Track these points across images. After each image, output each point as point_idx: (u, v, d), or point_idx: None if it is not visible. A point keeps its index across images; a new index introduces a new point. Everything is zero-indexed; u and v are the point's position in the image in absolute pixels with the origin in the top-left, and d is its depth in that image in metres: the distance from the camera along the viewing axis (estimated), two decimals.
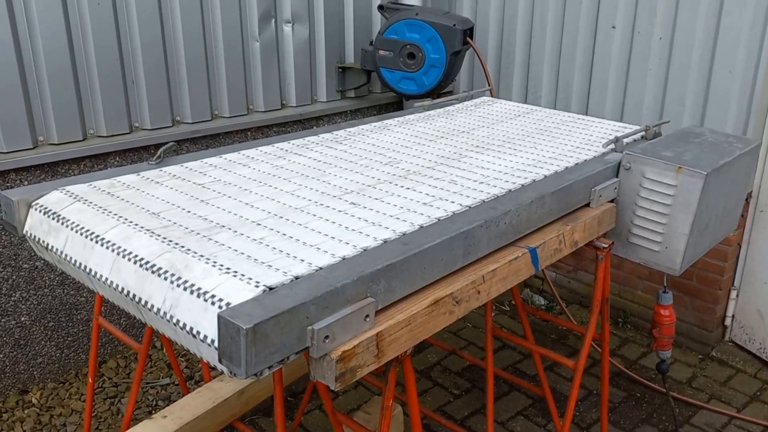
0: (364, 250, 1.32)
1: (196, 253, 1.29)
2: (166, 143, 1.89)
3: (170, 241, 1.34)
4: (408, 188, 1.70)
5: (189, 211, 1.51)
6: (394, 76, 3.48)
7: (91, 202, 1.54)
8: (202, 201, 1.58)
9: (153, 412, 2.84)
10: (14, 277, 2.80)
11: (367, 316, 1.21)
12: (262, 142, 2.10)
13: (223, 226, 1.43)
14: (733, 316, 3.34)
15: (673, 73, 3.19)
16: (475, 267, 1.51)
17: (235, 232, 1.40)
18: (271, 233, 1.40)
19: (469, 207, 1.58)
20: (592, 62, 3.46)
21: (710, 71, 3.07)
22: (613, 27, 3.34)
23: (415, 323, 1.31)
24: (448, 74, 3.34)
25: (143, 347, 2.06)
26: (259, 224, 1.44)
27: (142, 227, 1.41)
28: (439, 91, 3.44)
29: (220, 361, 1.10)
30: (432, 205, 1.58)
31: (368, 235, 1.40)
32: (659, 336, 2.36)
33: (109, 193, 1.61)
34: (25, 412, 2.81)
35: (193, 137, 3.17)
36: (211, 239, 1.36)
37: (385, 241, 1.37)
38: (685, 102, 3.18)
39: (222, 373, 2.23)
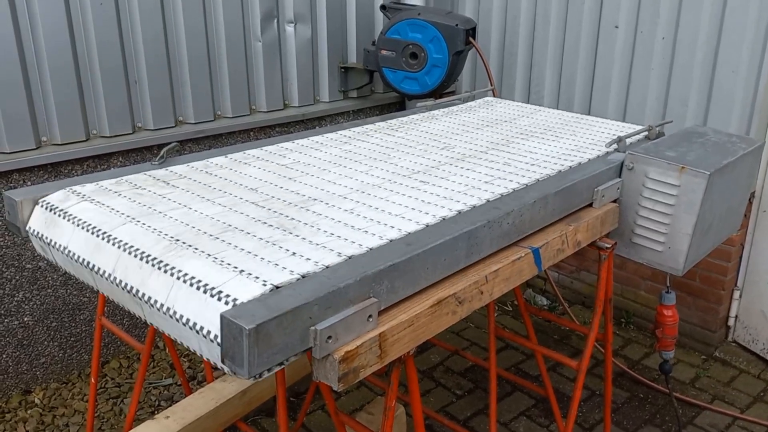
0: (370, 250, 1.32)
1: (203, 251, 1.29)
2: (169, 143, 1.89)
3: (177, 239, 1.34)
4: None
5: (196, 210, 1.51)
6: (396, 76, 3.48)
7: (98, 201, 1.55)
8: (209, 200, 1.58)
9: (156, 412, 2.84)
10: (17, 277, 2.81)
11: (370, 316, 1.21)
12: (265, 142, 2.10)
13: (230, 225, 1.43)
14: (736, 316, 3.33)
15: (676, 72, 3.18)
16: (478, 267, 1.50)
17: (243, 231, 1.40)
18: (278, 232, 1.40)
19: (474, 207, 1.58)
20: (594, 62, 3.46)
21: (713, 71, 3.06)
22: (616, 27, 3.33)
23: (418, 323, 1.30)
24: (450, 74, 3.34)
25: (146, 347, 2.06)
26: (265, 222, 1.45)
27: (149, 226, 1.41)
28: (442, 91, 3.44)
29: (222, 361, 1.10)
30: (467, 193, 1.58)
31: (393, 227, 1.40)
32: (662, 336, 2.35)
33: (116, 192, 1.62)
34: (28, 412, 2.81)
35: (196, 137, 3.18)
36: (218, 238, 1.36)
37: (392, 241, 1.37)
38: (688, 102, 3.17)
39: (224, 373, 2.23)
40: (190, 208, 1.53)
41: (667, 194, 1.91)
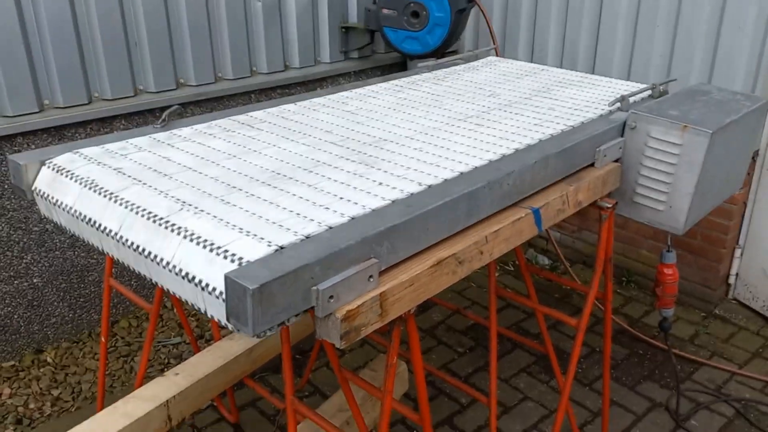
0: (372, 211, 1.34)
1: (209, 213, 1.32)
2: (171, 106, 1.89)
3: (184, 201, 1.37)
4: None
5: (201, 173, 1.53)
6: (397, 35, 3.44)
7: (104, 164, 1.56)
8: (213, 162, 1.59)
9: (165, 369, 2.91)
10: (25, 239, 2.85)
11: (370, 276, 1.23)
12: (266, 104, 2.10)
13: (234, 187, 1.45)
14: (737, 274, 3.36)
15: (681, 30, 3.14)
16: (478, 228, 1.52)
17: (247, 192, 1.42)
18: (281, 194, 1.41)
19: (475, 168, 1.59)
20: (599, 19, 3.41)
21: (719, 28, 3.02)
22: None
23: (419, 283, 1.33)
24: (452, 33, 3.30)
25: (154, 307, 2.10)
26: (269, 185, 1.46)
27: (155, 188, 1.43)
28: (444, 51, 3.41)
29: (228, 320, 1.13)
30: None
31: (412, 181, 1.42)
32: (662, 294, 2.38)
33: (121, 154, 1.63)
34: (41, 370, 2.89)
35: (197, 100, 3.17)
36: (224, 200, 1.38)
37: (394, 201, 1.39)
38: (693, 60, 3.13)
39: (231, 332, 2.28)
40: (196, 171, 1.54)
41: (669, 153, 1.90)
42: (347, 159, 1.65)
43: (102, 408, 2.15)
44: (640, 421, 2.64)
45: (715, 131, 1.84)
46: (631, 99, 2.16)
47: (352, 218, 1.31)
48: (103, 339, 2.26)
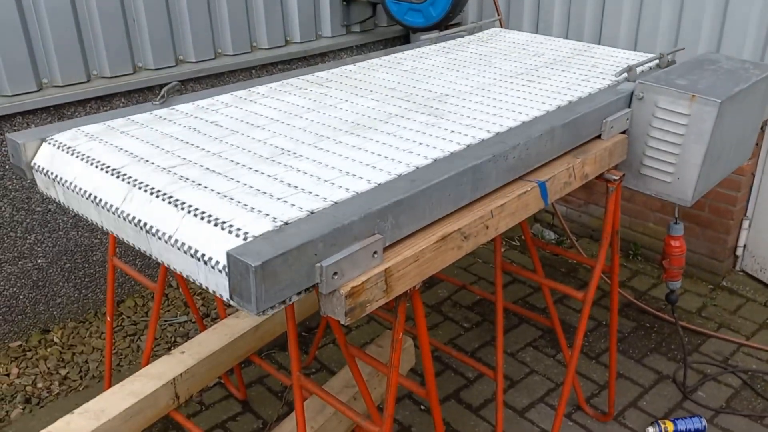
0: (378, 185, 1.32)
1: (207, 186, 1.30)
2: (170, 83, 1.86)
3: (186, 178, 1.35)
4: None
5: (203, 149, 1.51)
6: (400, 8, 3.38)
7: (106, 141, 1.54)
8: (216, 138, 1.57)
9: (172, 348, 2.92)
10: (28, 220, 2.84)
11: (375, 252, 1.22)
12: (268, 79, 2.07)
13: (237, 163, 1.43)
14: (744, 246, 3.34)
15: None
16: (483, 202, 1.50)
17: (250, 168, 1.40)
18: (285, 169, 1.39)
19: (482, 140, 1.56)
20: None
21: None
22: None
23: (424, 259, 1.31)
24: (456, 5, 3.24)
25: (158, 286, 2.10)
26: (273, 160, 1.44)
27: (157, 165, 1.41)
28: (447, 23, 3.35)
29: (231, 297, 1.12)
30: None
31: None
32: (669, 267, 2.36)
33: (122, 132, 1.61)
34: (48, 350, 2.90)
35: (197, 77, 3.13)
36: (226, 175, 1.36)
37: (399, 176, 1.37)
38: (701, 28, 3.07)
39: (237, 310, 2.27)
40: (192, 144, 1.52)
41: (677, 124, 1.87)
42: (417, 111, 1.78)
43: (110, 386, 2.16)
44: (647, 393, 2.64)
45: (724, 101, 1.81)
46: (638, 69, 2.12)
47: (357, 193, 1.29)
48: (108, 318, 2.26)
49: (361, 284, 1.18)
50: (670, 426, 2.41)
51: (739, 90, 1.90)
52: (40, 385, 2.71)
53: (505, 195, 1.54)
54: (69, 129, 1.62)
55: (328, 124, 1.70)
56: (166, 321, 3.11)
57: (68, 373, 2.78)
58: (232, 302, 1.13)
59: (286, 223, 1.16)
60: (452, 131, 1.63)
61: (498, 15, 3.50)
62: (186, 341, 2.27)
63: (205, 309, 3.20)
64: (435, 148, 1.52)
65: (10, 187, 2.76)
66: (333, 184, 1.33)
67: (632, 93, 1.93)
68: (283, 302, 1.12)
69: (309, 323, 3.02)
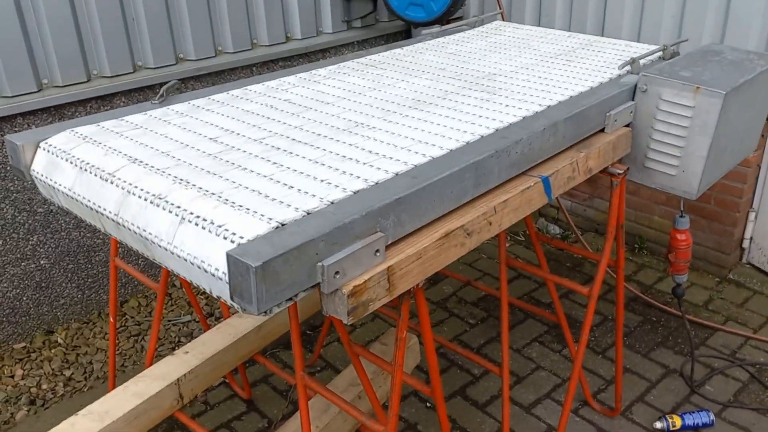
0: (376, 184, 1.30)
1: (207, 191, 1.28)
2: (170, 82, 1.85)
3: (181, 179, 1.33)
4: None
5: (197, 149, 1.49)
6: (401, 2, 3.36)
7: (99, 142, 1.53)
8: (210, 138, 1.56)
9: (176, 348, 2.91)
10: (30, 221, 2.83)
11: (377, 250, 1.20)
12: (266, 77, 2.05)
13: (233, 164, 1.41)
14: (751, 238, 3.31)
15: None
16: (486, 198, 1.48)
17: (245, 168, 1.38)
18: (278, 169, 1.38)
19: (482, 137, 1.55)
20: None
21: None
22: None
23: (426, 256, 1.30)
24: None
25: (161, 286, 2.09)
26: (268, 160, 1.43)
27: (151, 166, 1.40)
28: (449, 17, 3.33)
29: (232, 298, 1.11)
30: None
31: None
32: (675, 260, 2.35)
33: (117, 132, 1.59)
34: (52, 351, 2.90)
35: (198, 75, 3.12)
36: (221, 176, 1.34)
37: (397, 174, 1.35)
38: (704, 19, 3.04)
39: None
40: (188, 145, 1.51)
41: (682, 116, 1.85)
42: (470, 89, 1.90)
43: (114, 387, 2.15)
44: (654, 387, 2.62)
45: (729, 92, 1.79)
46: (642, 61, 2.09)
47: (355, 192, 1.27)
48: (111, 319, 2.25)
49: (364, 283, 1.17)
50: (677, 420, 2.40)
51: (744, 81, 1.87)
52: (44, 386, 2.71)
53: (508, 191, 1.52)
54: (65, 130, 1.61)
55: (391, 100, 1.82)
56: (169, 321, 3.10)
57: (73, 374, 2.78)
58: (232, 303, 1.11)
59: (282, 225, 1.15)
60: (507, 105, 1.77)
61: (500, 8, 3.48)
62: (190, 341, 2.27)
63: (208, 308, 3.19)
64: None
65: (12, 188, 2.75)
66: (329, 183, 1.32)
67: (636, 85, 1.91)
68: (286, 302, 1.11)
69: (313, 321, 3.01)
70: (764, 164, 3.16)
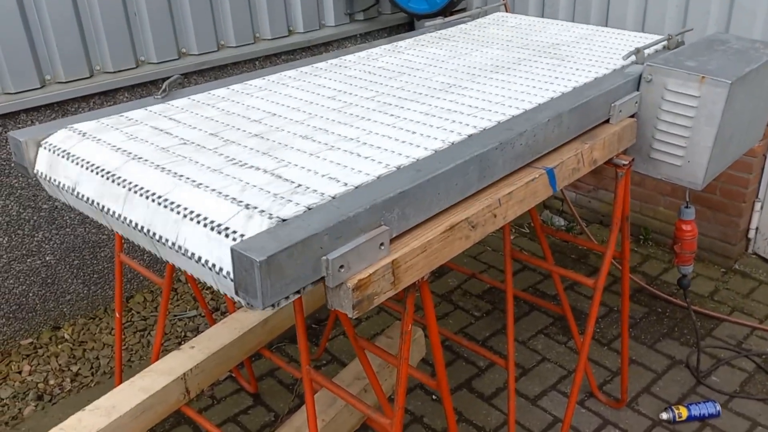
0: (378, 178, 1.30)
1: (208, 187, 1.28)
2: (172, 76, 1.85)
3: (181, 175, 1.33)
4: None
5: (198, 145, 1.49)
6: None
7: (99, 139, 1.53)
8: (212, 134, 1.55)
9: (182, 343, 2.92)
10: (35, 217, 2.84)
11: (381, 244, 1.20)
12: (269, 71, 2.04)
13: (233, 159, 1.41)
14: (757, 228, 3.30)
15: None
16: (491, 190, 1.48)
17: (244, 164, 1.38)
18: (279, 164, 1.37)
19: (484, 129, 1.54)
20: None
21: None
22: None
23: (431, 249, 1.29)
24: None
25: (166, 282, 2.09)
26: (270, 155, 1.42)
27: (152, 162, 1.39)
28: (452, 9, 3.31)
29: (236, 293, 1.11)
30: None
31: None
32: (681, 251, 2.34)
33: (116, 129, 1.59)
34: (59, 347, 2.91)
35: (200, 69, 3.12)
36: (222, 172, 1.34)
37: (401, 168, 1.34)
38: (709, 8, 3.02)
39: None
40: (189, 142, 1.50)
41: (687, 106, 1.84)
42: (540, 58, 2.06)
43: (120, 382, 2.16)
44: (660, 378, 2.62)
45: (734, 82, 1.77)
46: (647, 51, 2.08)
47: (356, 187, 1.27)
48: (117, 314, 2.26)
49: (368, 276, 1.16)
50: (683, 411, 2.39)
51: (750, 70, 1.86)
52: (52, 382, 2.72)
53: (512, 183, 1.51)
54: (68, 126, 1.60)
55: (470, 69, 1.97)
56: (175, 316, 3.11)
57: (79, 369, 2.79)
58: (237, 298, 1.11)
59: (283, 220, 1.14)
60: (577, 69, 1.94)
61: None
62: (196, 336, 2.27)
63: (214, 303, 3.20)
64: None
65: (16, 185, 2.75)
66: (332, 178, 1.32)
67: (641, 76, 1.90)
68: (290, 296, 1.11)
69: (318, 315, 3.01)
70: None
